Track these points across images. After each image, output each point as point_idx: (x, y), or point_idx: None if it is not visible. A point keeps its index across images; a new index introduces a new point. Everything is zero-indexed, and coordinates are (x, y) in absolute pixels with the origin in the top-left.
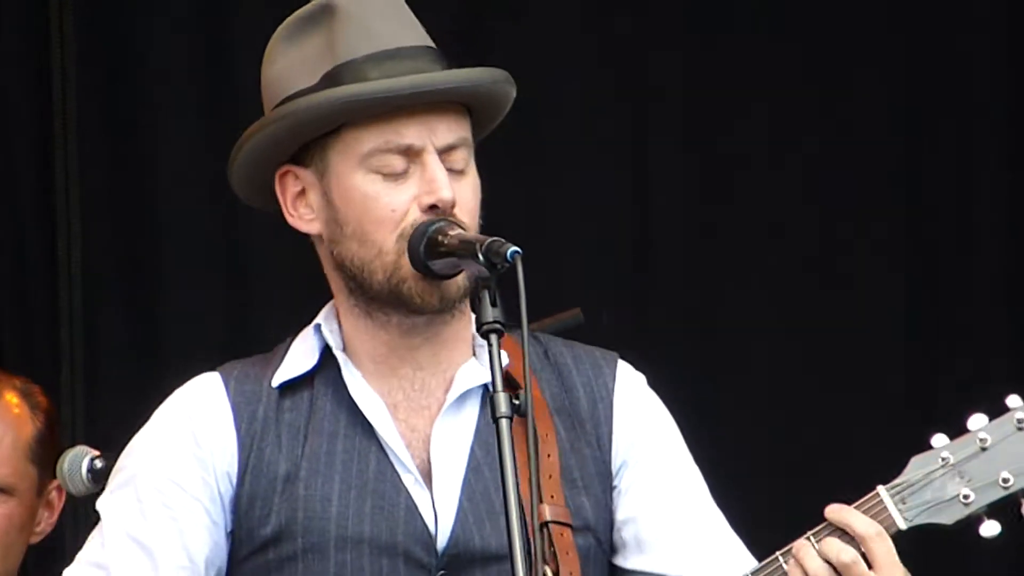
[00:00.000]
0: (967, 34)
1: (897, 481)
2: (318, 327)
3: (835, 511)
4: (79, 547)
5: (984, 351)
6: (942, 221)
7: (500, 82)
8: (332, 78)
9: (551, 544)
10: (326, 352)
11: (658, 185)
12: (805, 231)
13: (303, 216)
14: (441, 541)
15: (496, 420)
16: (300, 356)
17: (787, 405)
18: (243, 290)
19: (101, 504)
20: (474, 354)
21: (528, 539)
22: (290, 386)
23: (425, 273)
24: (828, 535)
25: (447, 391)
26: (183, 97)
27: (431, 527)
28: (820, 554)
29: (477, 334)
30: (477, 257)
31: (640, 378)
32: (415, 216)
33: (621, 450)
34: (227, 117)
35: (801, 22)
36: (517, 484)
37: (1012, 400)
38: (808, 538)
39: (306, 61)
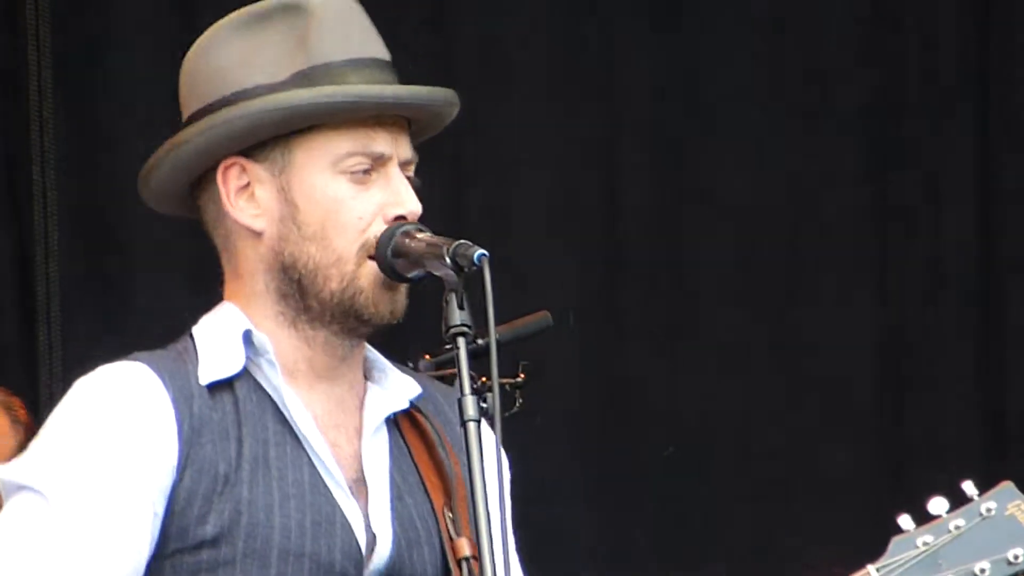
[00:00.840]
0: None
1: (885, 562)
2: (248, 333)
3: None
4: None
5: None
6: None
7: (457, 105)
8: (306, 77)
9: None
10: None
11: (628, 185)
12: (776, 235)
13: (244, 210)
14: (377, 563)
15: (464, 424)
16: (222, 356)
17: (758, 406)
18: (218, 294)
19: (35, 475)
20: (366, 377)
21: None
22: (215, 386)
23: (390, 276)
24: None
25: (359, 410)
26: (156, 103)
27: (363, 548)
28: None
29: (372, 358)
30: (444, 260)
31: (491, 433)
32: (379, 228)
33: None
34: None
35: (771, 19)
36: (486, 493)
37: (968, 487)
38: None
39: (269, 57)
